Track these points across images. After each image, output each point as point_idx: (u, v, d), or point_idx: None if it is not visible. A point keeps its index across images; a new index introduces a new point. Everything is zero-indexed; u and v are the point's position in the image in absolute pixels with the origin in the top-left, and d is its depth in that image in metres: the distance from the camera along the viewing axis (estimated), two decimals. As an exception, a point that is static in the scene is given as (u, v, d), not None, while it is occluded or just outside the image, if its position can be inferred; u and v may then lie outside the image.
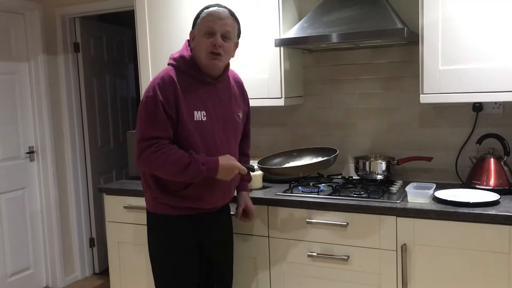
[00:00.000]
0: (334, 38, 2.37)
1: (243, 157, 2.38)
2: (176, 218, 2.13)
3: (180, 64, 2.09)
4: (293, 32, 2.52)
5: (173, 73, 2.05)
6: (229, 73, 2.23)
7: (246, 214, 2.34)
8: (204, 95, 2.10)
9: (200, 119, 2.07)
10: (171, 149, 2.00)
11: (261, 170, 2.42)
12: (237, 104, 2.25)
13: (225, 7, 2.10)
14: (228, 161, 2.08)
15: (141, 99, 2.10)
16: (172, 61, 2.12)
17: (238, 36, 2.17)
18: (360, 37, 2.34)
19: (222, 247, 2.31)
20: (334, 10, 2.50)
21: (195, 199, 2.12)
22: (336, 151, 2.41)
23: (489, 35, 2.18)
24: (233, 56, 2.17)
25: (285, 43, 2.52)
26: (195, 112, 2.06)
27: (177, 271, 2.16)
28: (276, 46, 2.53)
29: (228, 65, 2.19)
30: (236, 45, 2.16)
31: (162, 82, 2.02)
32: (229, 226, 2.36)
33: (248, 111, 2.38)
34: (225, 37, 2.05)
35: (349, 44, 2.61)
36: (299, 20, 2.72)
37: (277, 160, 2.55)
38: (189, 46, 2.14)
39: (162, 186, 2.11)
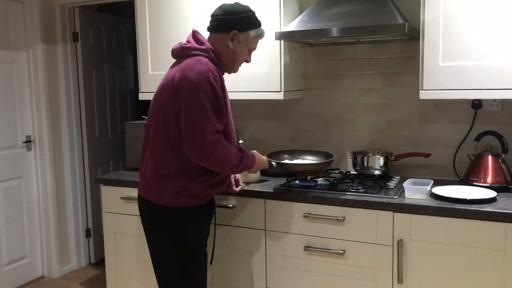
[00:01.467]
0: (335, 32, 2.36)
1: None
2: (197, 208, 2.14)
3: (213, 56, 2.10)
4: (293, 25, 2.51)
5: (213, 65, 2.06)
6: None
7: (236, 183, 2.42)
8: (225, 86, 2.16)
9: (230, 109, 2.16)
10: (227, 143, 2.06)
11: (279, 166, 2.45)
12: None
13: None
14: (260, 156, 2.25)
15: (186, 92, 1.98)
16: (203, 53, 2.08)
17: None
18: (360, 31, 2.34)
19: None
20: (335, 4, 2.49)
21: (222, 182, 2.20)
22: (333, 156, 2.51)
23: (490, 33, 2.18)
24: None
25: (285, 37, 2.51)
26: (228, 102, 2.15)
27: (198, 265, 2.18)
28: (276, 39, 2.52)
29: None
30: None
31: (213, 75, 2.01)
32: None
33: None
34: None
35: (349, 38, 2.61)
36: (300, 13, 2.71)
37: (285, 156, 2.64)
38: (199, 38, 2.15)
39: (195, 175, 2.08)
